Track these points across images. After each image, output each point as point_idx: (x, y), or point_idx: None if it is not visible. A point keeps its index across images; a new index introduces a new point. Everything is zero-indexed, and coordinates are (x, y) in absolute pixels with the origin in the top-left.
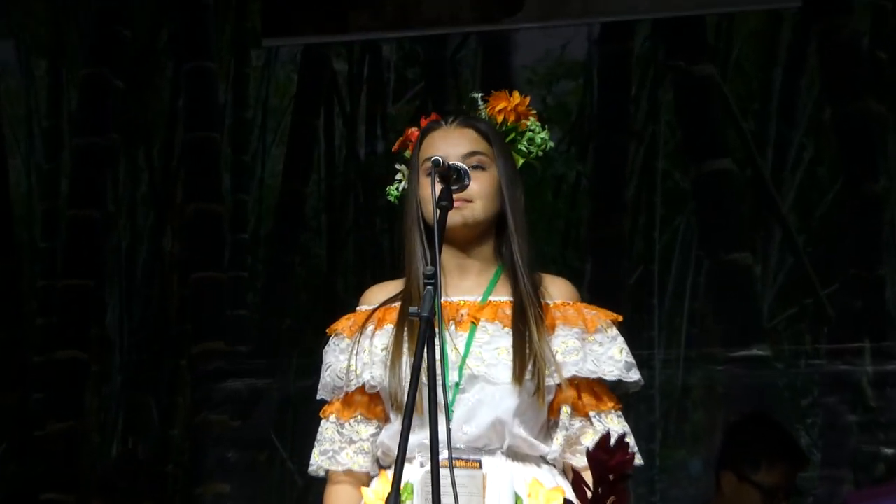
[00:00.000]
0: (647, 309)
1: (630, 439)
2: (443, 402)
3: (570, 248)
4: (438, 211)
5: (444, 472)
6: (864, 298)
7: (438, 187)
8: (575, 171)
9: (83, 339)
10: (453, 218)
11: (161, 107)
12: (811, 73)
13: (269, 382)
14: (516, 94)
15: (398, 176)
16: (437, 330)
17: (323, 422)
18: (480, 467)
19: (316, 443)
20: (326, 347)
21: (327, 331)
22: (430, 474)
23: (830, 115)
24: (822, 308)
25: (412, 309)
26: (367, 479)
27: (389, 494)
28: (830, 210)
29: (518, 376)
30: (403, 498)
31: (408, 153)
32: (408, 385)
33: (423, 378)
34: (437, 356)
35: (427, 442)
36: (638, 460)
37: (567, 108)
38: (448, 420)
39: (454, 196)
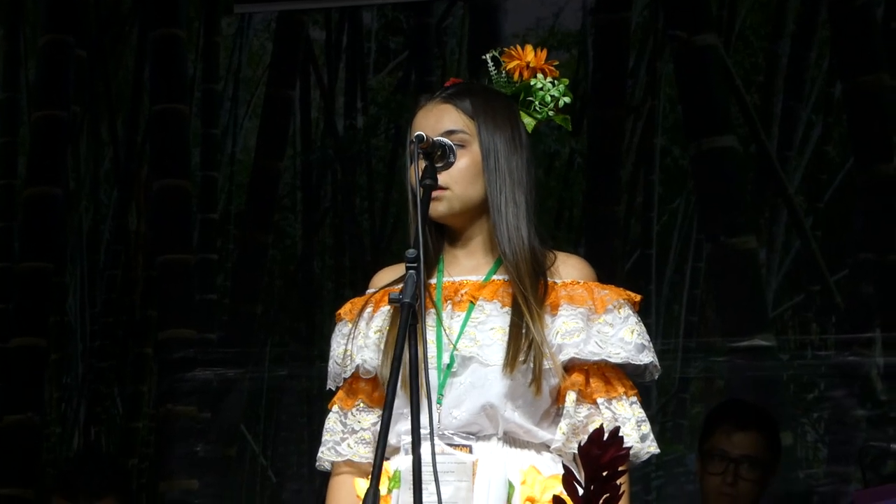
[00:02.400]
0: (643, 295)
1: (645, 427)
2: (429, 388)
3: (562, 230)
4: (422, 190)
5: (425, 459)
6: (875, 285)
7: (422, 165)
8: (568, 149)
9: (42, 325)
10: (434, 208)
11: (125, 77)
12: (821, 46)
13: (240, 372)
14: (528, 48)
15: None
16: (421, 316)
17: (329, 413)
18: (471, 452)
19: (324, 434)
20: (333, 334)
21: (335, 317)
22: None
23: (841, 90)
24: (831, 295)
25: (393, 294)
26: (369, 470)
27: (370, 485)
28: (840, 191)
29: (511, 361)
30: (391, 486)
31: None
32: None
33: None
34: (429, 341)
35: (419, 427)
36: (654, 448)
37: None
38: (430, 405)
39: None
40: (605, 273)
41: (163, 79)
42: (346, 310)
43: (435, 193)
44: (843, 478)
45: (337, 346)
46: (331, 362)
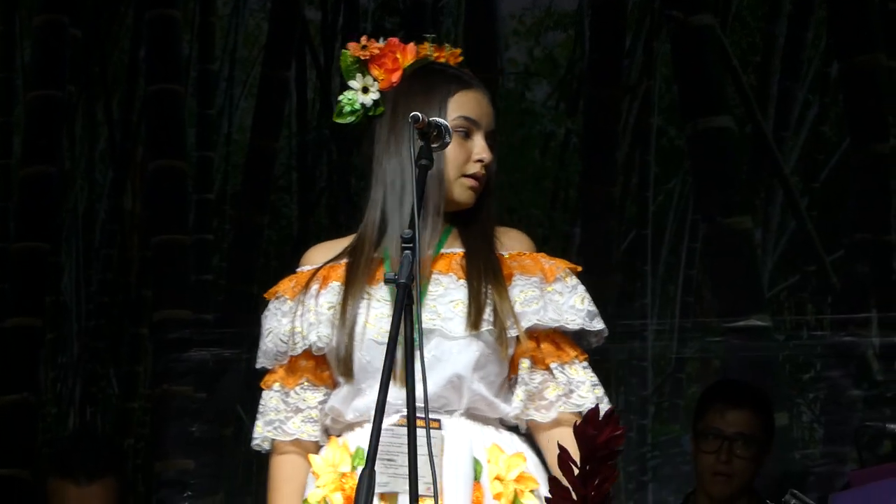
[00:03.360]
0: (639, 276)
1: (599, 390)
2: (416, 363)
3: (557, 210)
4: (417, 170)
5: (399, 431)
6: (871, 265)
7: (418, 144)
8: (564, 129)
9: (37, 305)
10: (469, 196)
11: (121, 58)
12: (817, 26)
13: (236, 352)
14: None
15: (354, 84)
16: (417, 297)
17: (265, 392)
18: (440, 427)
19: (258, 415)
20: (266, 312)
21: (265, 295)
22: (388, 431)
23: (837, 71)
24: (826, 275)
25: (389, 274)
26: (314, 449)
27: (368, 456)
28: (836, 171)
29: (475, 322)
30: (356, 463)
31: (374, 74)
32: (358, 343)
33: (373, 336)
34: (387, 316)
35: (384, 404)
36: (606, 404)
37: (556, 62)
38: (424, 383)
39: (480, 174)
40: (601, 253)
41: (158, 59)
42: (284, 287)
43: (477, 184)
44: (840, 458)
45: (278, 324)
46: (268, 340)
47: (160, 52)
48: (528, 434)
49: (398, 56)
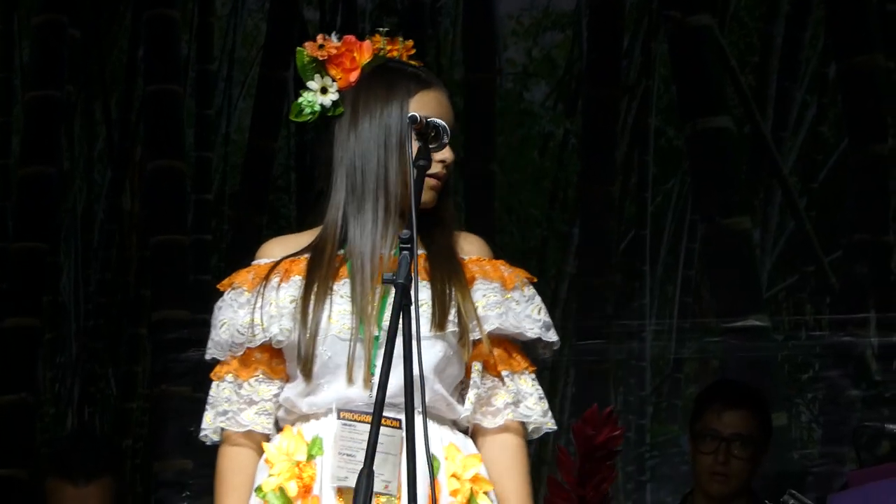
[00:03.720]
0: (637, 276)
1: (545, 404)
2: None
3: (556, 211)
4: (415, 171)
5: (359, 428)
6: (870, 266)
7: (416, 145)
8: (562, 129)
9: (36, 305)
10: (431, 196)
11: (120, 58)
12: (816, 26)
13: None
14: (408, 42)
15: (313, 84)
16: (415, 297)
17: (216, 383)
18: (400, 426)
19: (208, 406)
20: (220, 303)
21: (219, 286)
22: (343, 430)
23: (836, 71)
24: (825, 276)
25: (387, 275)
26: (265, 441)
27: (366, 455)
28: (834, 172)
29: (440, 323)
30: (312, 452)
31: (331, 73)
32: (319, 338)
33: (334, 332)
34: (349, 312)
35: (345, 395)
36: (553, 424)
37: (554, 62)
38: (419, 380)
39: (441, 174)
40: (600, 253)
41: (157, 59)
42: (242, 278)
43: (439, 184)
44: (838, 458)
45: (235, 316)
46: (221, 331)
47: (159, 52)
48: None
49: (356, 55)
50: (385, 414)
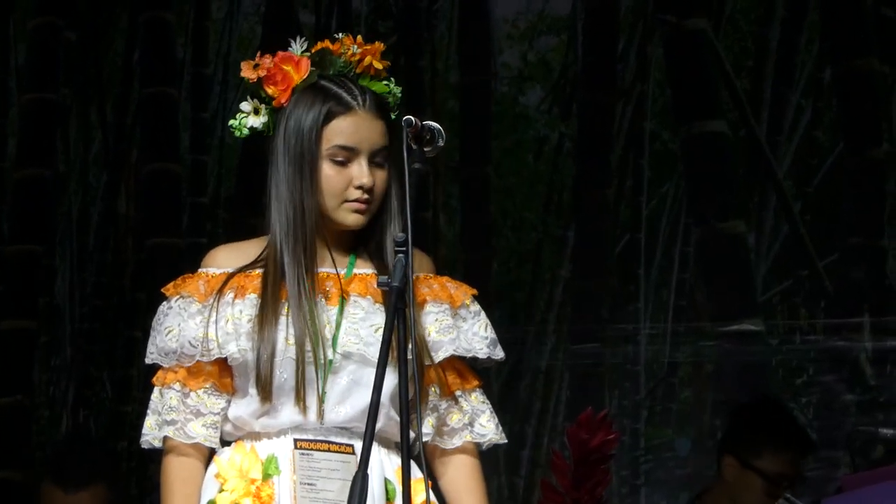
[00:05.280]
0: (632, 280)
1: (495, 418)
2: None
3: (551, 215)
4: (411, 174)
5: (318, 456)
6: (865, 270)
7: (410, 149)
8: (558, 133)
9: (31, 307)
10: (356, 218)
11: (115, 61)
12: (811, 30)
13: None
14: (378, 43)
15: (245, 107)
16: (410, 301)
17: (161, 389)
18: (353, 452)
19: (150, 411)
20: (167, 308)
21: (164, 290)
22: (301, 459)
23: (831, 75)
24: (820, 280)
25: (382, 278)
26: (210, 454)
27: (361, 458)
28: (829, 176)
29: (397, 356)
30: (268, 471)
31: (268, 92)
32: (278, 360)
33: (293, 355)
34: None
35: (297, 419)
36: (504, 437)
37: (550, 66)
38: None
39: (363, 198)
40: (595, 257)
41: (153, 62)
42: (191, 287)
43: (364, 206)
44: (833, 462)
45: (185, 326)
46: (168, 338)
47: (154, 55)
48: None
49: (290, 72)
50: (338, 440)
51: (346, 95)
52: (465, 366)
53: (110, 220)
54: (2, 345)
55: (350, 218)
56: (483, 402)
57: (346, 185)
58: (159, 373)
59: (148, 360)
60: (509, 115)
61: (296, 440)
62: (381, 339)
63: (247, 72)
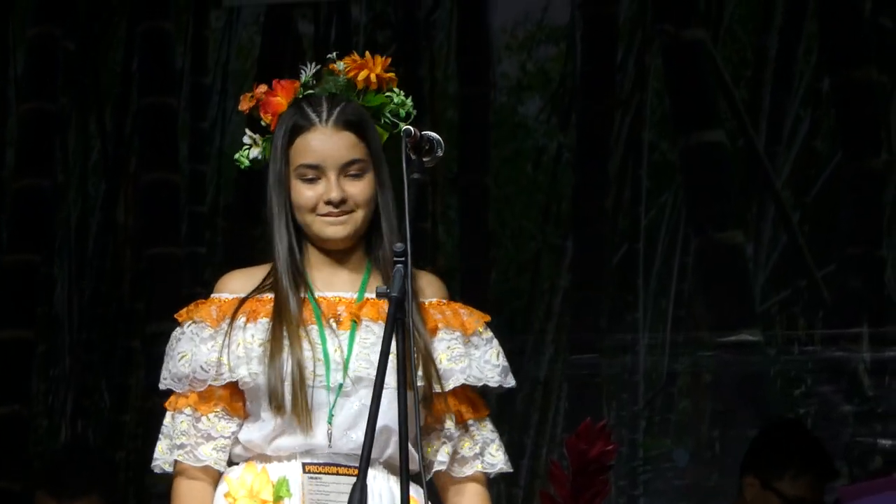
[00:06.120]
0: (631, 290)
1: (502, 447)
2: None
3: (550, 224)
4: (410, 184)
5: (328, 479)
6: (863, 280)
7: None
8: (556, 143)
9: (30, 317)
10: (336, 231)
11: (114, 70)
12: (809, 40)
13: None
14: (377, 57)
15: (246, 140)
16: (408, 311)
17: (172, 413)
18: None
19: (162, 436)
20: (179, 334)
21: (177, 316)
22: (310, 483)
23: (829, 85)
24: (818, 290)
25: (380, 288)
26: (219, 477)
27: (360, 468)
28: (828, 186)
29: (409, 383)
30: (280, 493)
31: (264, 121)
32: (290, 384)
33: (308, 381)
34: (317, 359)
35: (307, 443)
36: (509, 468)
37: (548, 75)
38: (417, 409)
39: (337, 210)
40: (593, 267)
41: (151, 71)
42: (203, 313)
43: (341, 217)
44: None
45: (198, 351)
46: (181, 364)
47: (153, 64)
48: (428, 484)
49: (279, 99)
50: (347, 464)
51: (309, 112)
52: (477, 395)
53: (109, 229)
54: (0, 354)
55: (328, 230)
56: (493, 432)
57: (318, 200)
58: (171, 398)
59: (161, 386)
60: (508, 124)
61: (304, 464)
62: (391, 363)
63: (242, 104)
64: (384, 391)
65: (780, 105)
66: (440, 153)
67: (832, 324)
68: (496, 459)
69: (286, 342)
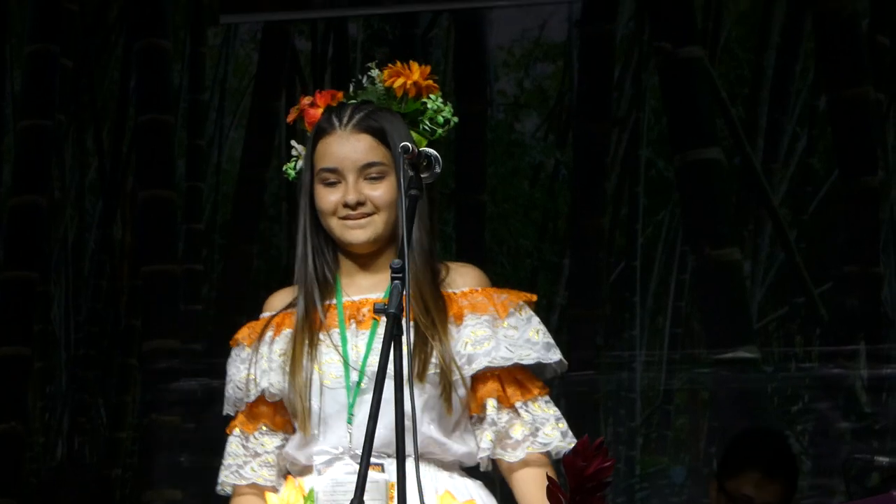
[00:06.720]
0: (628, 307)
1: (563, 424)
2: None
3: (546, 242)
4: (408, 200)
5: (343, 479)
6: (860, 298)
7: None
8: (553, 160)
9: (26, 334)
10: (356, 235)
11: (111, 87)
12: (806, 58)
13: (224, 382)
14: (415, 65)
15: (293, 152)
16: (407, 327)
17: (229, 437)
18: (383, 471)
19: (223, 459)
20: (229, 360)
21: (230, 343)
22: (335, 482)
23: (826, 103)
24: (815, 308)
25: (378, 304)
26: (272, 492)
27: (356, 486)
28: (824, 204)
29: (420, 373)
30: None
31: (309, 132)
32: (309, 391)
33: (324, 382)
34: (335, 361)
35: (329, 449)
36: (570, 444)
37: (545, 93)
38: (413, 419)
39: (355, 213)
40: (590, 284)
41: (148, 89)
42: (243, 334)
43: (360, 221)
44: (828, 490)
45: (237, 371)
46: (229, 387)
47: (150, 82)
48: (489, 473)
49: (318, 108)
50: (371, 461)
51: (332, 118)
52: (528, 375)
53: (106, 246)
54: None
55: (349, 234)
56: (547, 411)
57: (338, 204)
58: (231, 422)
59: (224, 413)
60: (505, 142)
61: (320, 462)
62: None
63: (290, 115)
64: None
65: (777, 123)
66: (438, 170)
67: (829, 341)
68: (550, 438)
69: (306, 349)
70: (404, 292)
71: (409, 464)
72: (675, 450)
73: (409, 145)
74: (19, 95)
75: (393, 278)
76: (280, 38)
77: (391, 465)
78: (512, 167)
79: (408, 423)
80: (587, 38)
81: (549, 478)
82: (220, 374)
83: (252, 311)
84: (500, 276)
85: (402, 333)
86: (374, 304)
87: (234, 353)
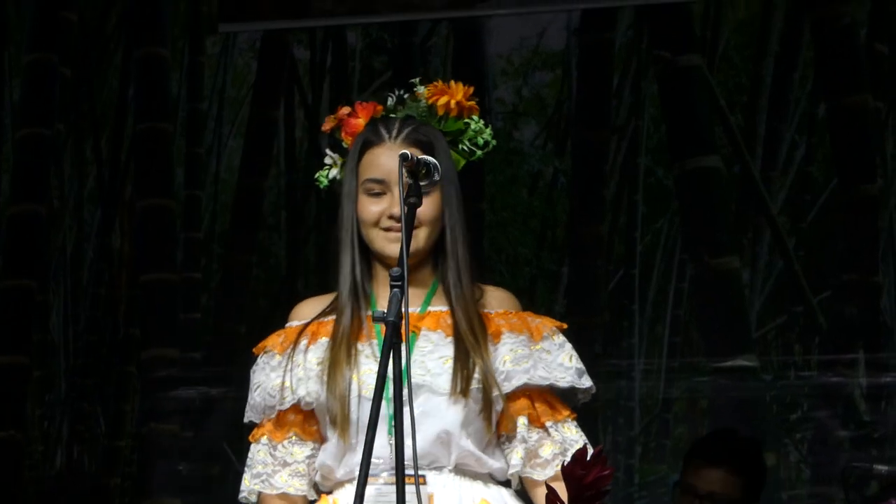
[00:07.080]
0: (626, 315)
1: (590, 448)
2: (404, 417)
3: (545, 250)
4: (406, 208)
5: (386, 490)
6: (859, 306)
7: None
8: (552, 168)
9: (25, 343)
10: (395, 247)
11: (110, 96)
12: (804, 66)
13: (223, 391)
14: (459, 84)
15: (327, 160)
16: (406, 335)
17: (253, 445)
18: (426, 483)
19: (246, 468)
20: (255, 367)
21: (254, 350)
22: (378, 491)
23: (824, 111)
24: (814, 316)
25: (377, 312)
26: (301, 502)
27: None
28: (823, 212)
29: (464, 388)
30: None
31: (345, 142)
32: (348, 399)
33: (363, 392)
34: (374, 372)
35: (370, 461)
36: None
37: (544, 101)
38: (401, 433)
39: (398, 225)
40: (589, 292)
41: (147, 98)
42: (272, 342)
43: (393, 235)
44: (827, 499)
45: (267, 379)
46: (256, 394)
47: (149, 90)
48: (521, 490)
49: (360, 119)
50: (409, 472)
51: (380, 129)
52: (556, 398)
53: (104, 255)
54: None
55: (390, 247)
56: (576, 433)
57: (381, 215)
58: (254, 430)
59: (245, 420)
60: (503, 150)
61: (362, 476)
62: (447, 369)
63: (326, 125)
64: (442, 397)
65: (776, 131)
66: (437, 178)
67: (828, 349)
68: None
69: (344, 359)
70: (402, 301)
71: (447, 476)
72: (674, 458)
73: (408, 153)
74: (18, 104)
75: (392, 286)
76: (279, 46)
77: (434, 477)
78: (510, 175)
79: (445, 435)
80: (586, 46)
81: (547, 486)
82: (219, 382)
83: (251, 320)
84: (499, 285)
85: (401, 342)
86: (374, 312)
87: (261, 360)
